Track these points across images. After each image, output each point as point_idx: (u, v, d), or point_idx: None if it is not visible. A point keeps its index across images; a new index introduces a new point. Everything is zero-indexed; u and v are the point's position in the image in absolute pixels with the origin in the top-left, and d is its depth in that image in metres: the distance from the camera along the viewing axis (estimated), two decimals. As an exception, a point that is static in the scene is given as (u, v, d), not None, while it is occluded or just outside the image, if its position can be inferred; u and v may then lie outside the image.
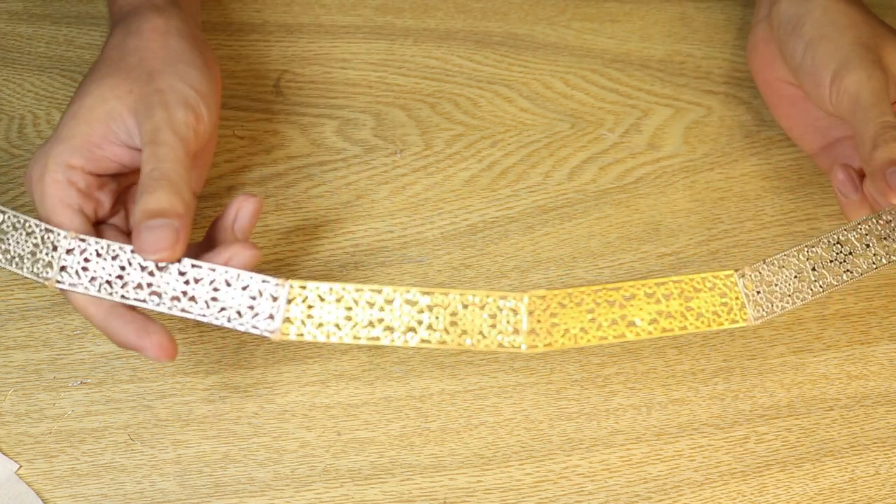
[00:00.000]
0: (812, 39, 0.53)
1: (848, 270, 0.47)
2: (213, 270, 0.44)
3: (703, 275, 0.45)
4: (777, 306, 0.46)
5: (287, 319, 0.43)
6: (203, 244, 0.47)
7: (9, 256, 0.44)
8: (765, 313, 0.45)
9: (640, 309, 0.44)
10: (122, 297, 0.44)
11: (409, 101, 0.60)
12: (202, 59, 0.49)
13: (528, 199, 0.57)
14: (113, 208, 0.48)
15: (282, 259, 0.55)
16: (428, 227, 0.56)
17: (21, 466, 0.49)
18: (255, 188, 0.56)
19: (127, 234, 0.48)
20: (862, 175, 0.51)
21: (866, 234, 0.47)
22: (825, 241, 0.47)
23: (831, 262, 0.47)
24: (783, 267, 0.46)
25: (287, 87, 0.60)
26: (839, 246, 0.47)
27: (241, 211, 0.46)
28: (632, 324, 0.44)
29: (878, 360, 0.55)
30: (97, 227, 0.47)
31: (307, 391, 0.51)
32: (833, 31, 0.53)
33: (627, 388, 0.53)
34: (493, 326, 0.43)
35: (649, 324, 0.44)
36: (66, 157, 0.45)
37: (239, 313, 0.43)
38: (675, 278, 0.44)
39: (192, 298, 0.44)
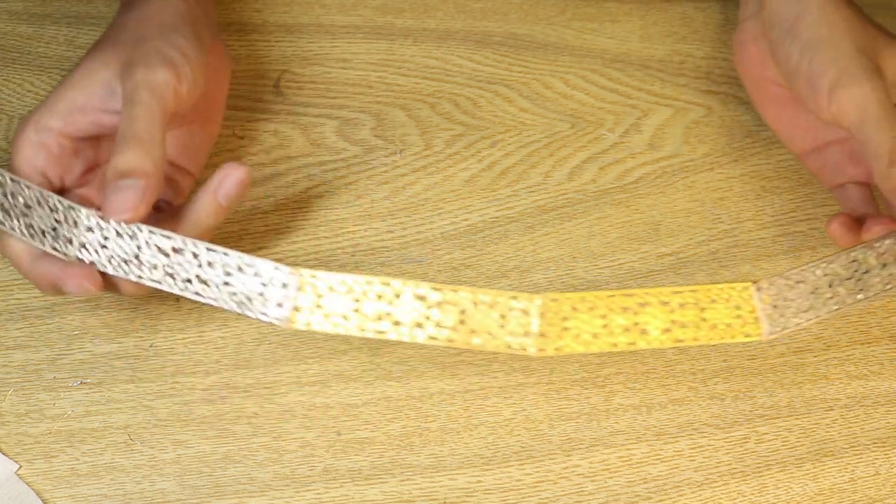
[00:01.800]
0: (809, 42, 0.52)
1: (862, 290, 0.46)
2: (227, 255, 0.44)
3: (720, 285, 0.44)
4: (791, 322, 0.45)
5: (296, 308, 0.43)
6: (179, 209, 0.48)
7: (32, 231, 0.45)
8: (779, 329, 0.45)
9: (654, 317, 0.43)
10: (139, 277, 0.44)
11: (409, 101, 0.60)
12: (194, 33, 0.49)
13: (528, 199, 0.57)
14: (84, 176, 0.49)
15: (282, 259, 0.55)
16: (428, 227, 0.56)
17: (21, 466, 0.49)
18: (255, 188, 0.56)
19: (94, 205, 0.48)
20: (858, 221, 0.50)
21: (883, 254, 0.46)
22: (844, 257, 0.46)
23: (848, 279, 0.46)
24: (800, 282, 0.45)
25: (287, 87, 0.60)
26: (856, 264, 0.46)
27: (226, 178, 0.47)
28: (644, 332, 0.43)
29: (878, 360, 0.55)
30: (63, 194, 0.48)
31: (307, 391, 0.51)
32: (831, 35, 0.51)
33: (627, 388, 0.53)
34: (503, 327, 0.42)
35: (662, 333, 0.43)
36: (44, 119, 0.47)
37: (249, 299, 0.43)
38: (691, 288, 0.43)
39: (205, 282, 0.44)
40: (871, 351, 0.55)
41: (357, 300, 0.43)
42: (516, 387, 0.52)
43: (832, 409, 0.53)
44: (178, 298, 0.53)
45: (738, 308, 0.44)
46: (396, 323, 0.42)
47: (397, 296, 0.42)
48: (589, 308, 0.43)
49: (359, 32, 0.62)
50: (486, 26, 0.62)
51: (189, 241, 0.45)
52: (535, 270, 0.56)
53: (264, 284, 0.44)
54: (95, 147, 0.49)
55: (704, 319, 0.43)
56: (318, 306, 0.43)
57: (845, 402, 0.53)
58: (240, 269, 0.44)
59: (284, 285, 0.43)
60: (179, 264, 0.44)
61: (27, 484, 0.49)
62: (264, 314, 0.44)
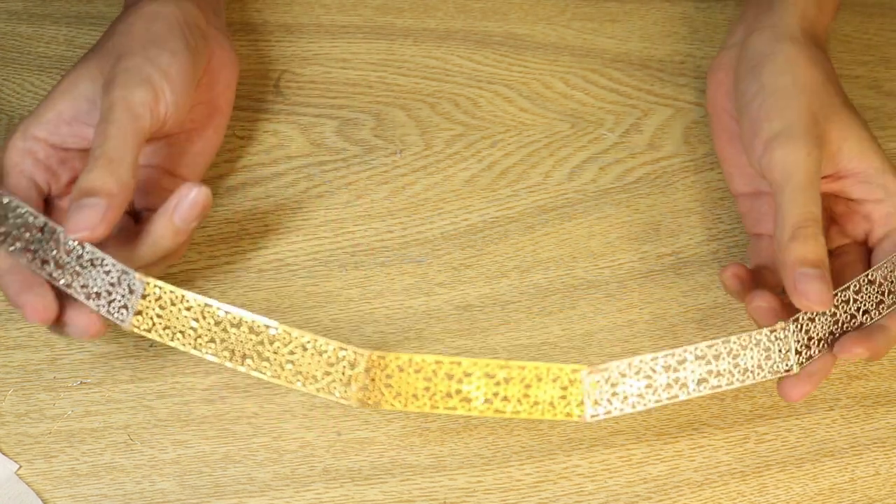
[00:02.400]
0: (766, 86, 0.50)
1: (684, 385, 0.46)
2: (83, 247, 0.45)
3: (548, 365, 0.45)
4: (616, 408, 0.45)
5: (139, 312, 0.44)
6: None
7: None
8: (601, 413, 0.45)
9: (478, 388, 0.45)
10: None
11: (409, 101, 0.60)
12: (182, 44, 0.49)
13: (528, 199, 0.58)
14: (69, 186, 0.49)
15: (282, 259, 0.55)
16: (428, 227, 0.56)
17: (21, 466, 0.49)
18: (254, 188, 0.56)
19: None
20: (752, 274, 0.50)
21: (729, 352, 0.46)
22: (681, 352, 0.46)
23: (676, 373, 0.46)
24: (637, 372, 0.46)
25: (287, 87, 0.60)
26: (702, 360, 0.46)
27: (182, 200, 0.46)
28: (466, 399, 0.45)
29: (878, 360, 0.55)
30: (52, 202, 0.49)
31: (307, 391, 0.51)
32: (789, 87, 0.50)
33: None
34: (328, 374, 0.44)
35: (483, 402, 0.45)
36: (32, 129, 0.48)
37: (98, 294, 0.45)
38: (519, 364, 0.45)
39: (60, 266, 0.45)
40: (871, 351, 0.55)
41: (195, 319, 0.44)
42: (516, 387, 0.52)
43: (832, 409, 0.53)
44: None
45: (564, 389, 0.45)
46: (229, 350, 0.44)
47: (233, 325, 0.44)
48: (415, 370, 0.44)
49: (359, 32, 0.62)
50: (486, 26, 0.62)
51: (52, 223, 0.45)
52: (535, 270, 0.56)
53: (112, 284, 0.45)
54: (82, 157, 0.49)
55: (527, 396, 0.45)
56: (159, 316, 0.44)
57: (845, 402, 0.53)
58: (92, 263, 0.45)
59: (131, 290, 0.45)
60: (40, 242, 0.45)
61: (27, 484, 0.49)
62: (109, 313, 0.45)
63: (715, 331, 0.54)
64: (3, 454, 0.49)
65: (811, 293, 0.44)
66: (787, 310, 0.48)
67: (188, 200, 0.46)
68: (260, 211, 0.56)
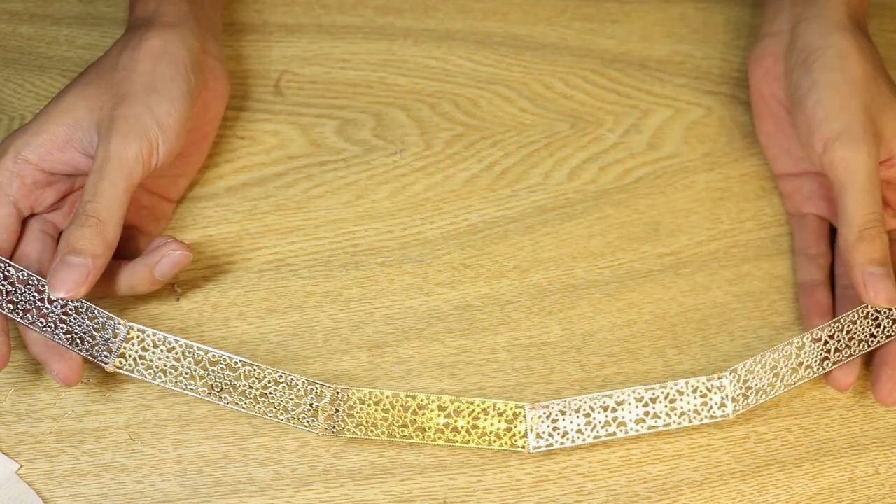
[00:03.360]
0: (818, 82, 0.52)
1: (622, 424, 0.50)
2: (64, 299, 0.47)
3: (494, 401, 0.50)
4: (557, 442, 0.50)
5: (121, 355, 0.48)
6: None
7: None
8: (543, 446, 0.50)
9: (430, 419, 0.50)
10: None
11: (409, 101, 0.60)
12: (183, 89, 0.50)
13: (528, 199, 0.58)
14: (56, 203, 0.51)
15: (282, 259, 0.55)
16: (428, 227, 0.56)
17: (21, 466, 0.49)
18: (255, 188, 0.56)
19: (55, 231, 0.51)
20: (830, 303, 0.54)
21: (666, 396, 0.50)
22: (633, 395, 0.50)
23: (614, 411, 0.50)
24: (577, 410, 0.50)
25: (287, 87, 0.60)
26: (639, 403, 0.50)
27: (164, 258, 0.49)
28: (421, 429, 0.49)
29: (877, 360, 0.55)
30: (31, 218, 0.50)
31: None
32: (842, 85, 0.52)
33: (627, 387, 0.53)
34: (297, 406, 0.49)
35: (435, 432, 0.49)
36: (24, 151, 0.49)
37: (82, 339, 0.48)
38: (468, 400, 0.50)
39: (44, 315, 0.48)
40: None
41: (177, 359, 0.48)
42: (516, 387, 0.52)
43: (832, 409, 0.53)
44: (178, 298, 0.53)
45: (510, 422, 0.50)
46: (209, 386, 0.48)
47: (213, 363, 0.49)
48: (374, 402, 0.49)
49: (359, 32, 0.62)
50: (486, 26, 0.62)
51: (35, 277, 0.48)
52: (535, 270, 0.56)
53: (97, 329, 0.48)
54: (71, 179, 0.51)
55: (475, 427, 0.50)
56: (141, 357, 0.48)
57: (845, 402, 0.53)
58: (76, 310, 0.48)
59: (115, 334, 0.48)
60: (22, 294, 0.48)
61: (28, 483, 0.49)
62: (93, 356, 0.48)
63: (714, 330, 0.54)
64: (4, 454, 0.49)
65: (881, 292, 0.48)
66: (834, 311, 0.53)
67: (171, 259, 0.49)
68: (260, 211, 0.56)
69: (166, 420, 0.50)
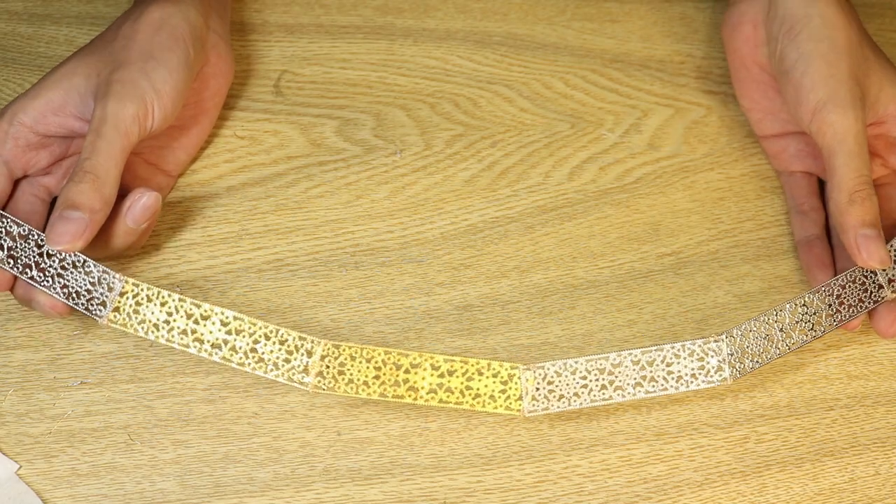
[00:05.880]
0: (805, 53, 0.53)
1: (619, 387, 0.49)
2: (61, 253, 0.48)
3: (489, 361, 0.49)
4: (553, 405, 0.49)
5: (116, 308, 0.48)
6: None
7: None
8: (539, 409, 0.49)
9: (423, 378, 0.49)
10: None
11: (409, 101, 0.60)
12: (181, 60, 0.51)
13: (528, 199, 0.58)
14: (50, 167, 0.51)
15: (282, 259, 0.55)
16: (428, 227, 0.56)
17: (21, 466, 0.49)
18: (255, 188, 0.56)
19: (48, 195, 0.51)
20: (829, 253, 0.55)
21: (663, 360, 0.50)
22: (629, 357, 0.49)
23: (611, 374, 0.49)
24: (573, 372, 0.49)
25: (287, 87, 0.60)
26: (638, 365, 0.50)
27: (135, 203, 0.49)
28: (413, 388, 0.49)
29: (878, 360, 0.55)
30: (24, 180, 0.51)
31: (307, 391, 0.51)
32: (829, 54, 0.52)
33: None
34: (288, 361, 0.48)
35: (428, 392, 0.49)
36: (20, 114, 0.50)
37: (78, 294, 0.48)
38: (462, 359, 0.49)
39: (42, 270, 0.48)
40: (871, 351, 0.55)
41: (169, 313, 0.48)
42: (516, 387, 0.52)
43: (832, 409, 0.53)
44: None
45: (504, 384, 0.49)
46: (198, 340, 0.48)
47: (204, 318, 0.48)
48: (366, 359, 0.49)
49: (359, 32, 0.62)
50: (486, 26, 0.62)
51: (35, 231, 0.48)
52: (535, 270, 0.56)
53: (92, 283, 0.48)
54: (66, 143, 0.52)
55: (469, 388, 0.49)
56: (136, 312, 0.48)
57: (845, 402, 0.53)
58: (73, 265, 0.48)
59: (110, 287, 0.48)
60: (23, 249, 0.48)
61: (27, 484, 0.49)
62: (88, 310, 0.48)
63: (715, 330, 0.54)
64: (4, 454, 0.49)
65: (874, 252, 0.49)
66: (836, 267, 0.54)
67: (140, 204, 0.49)
68: (260, 211, 0.56)
69: (166, 420, 0.50)
